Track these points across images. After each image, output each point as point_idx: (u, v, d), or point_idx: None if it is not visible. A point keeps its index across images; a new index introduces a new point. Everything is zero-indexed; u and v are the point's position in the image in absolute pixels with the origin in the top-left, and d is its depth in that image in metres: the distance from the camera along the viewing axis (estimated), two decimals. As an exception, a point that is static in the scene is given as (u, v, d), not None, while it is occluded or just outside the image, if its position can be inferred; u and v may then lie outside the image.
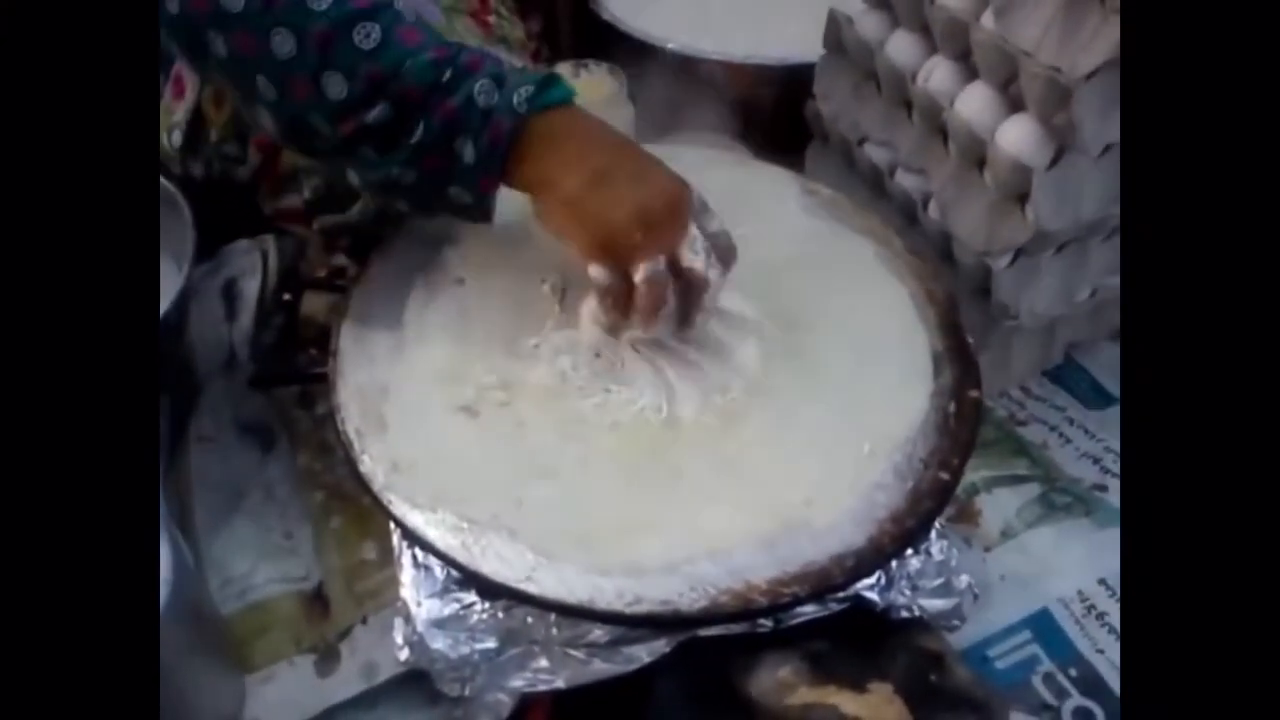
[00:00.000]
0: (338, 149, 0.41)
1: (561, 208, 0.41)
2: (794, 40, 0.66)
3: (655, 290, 0.40)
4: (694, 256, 0.40)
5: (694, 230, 0.41)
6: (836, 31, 0.58)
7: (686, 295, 0.41)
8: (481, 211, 0.42)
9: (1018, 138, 0.47)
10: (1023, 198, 0.48)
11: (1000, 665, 0.44)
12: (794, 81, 0.63)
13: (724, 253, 0.42)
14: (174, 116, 0.59)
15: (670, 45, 0.68)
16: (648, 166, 0.41)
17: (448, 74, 0.39)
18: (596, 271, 0.41)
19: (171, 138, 0.59)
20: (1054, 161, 0.47)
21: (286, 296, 0.48)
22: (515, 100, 0.39)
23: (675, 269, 0.41)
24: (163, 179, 0.53)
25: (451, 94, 0.39)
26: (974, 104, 0.50)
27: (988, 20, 0.48)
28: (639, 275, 0.40)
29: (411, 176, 0.41)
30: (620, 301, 0.41)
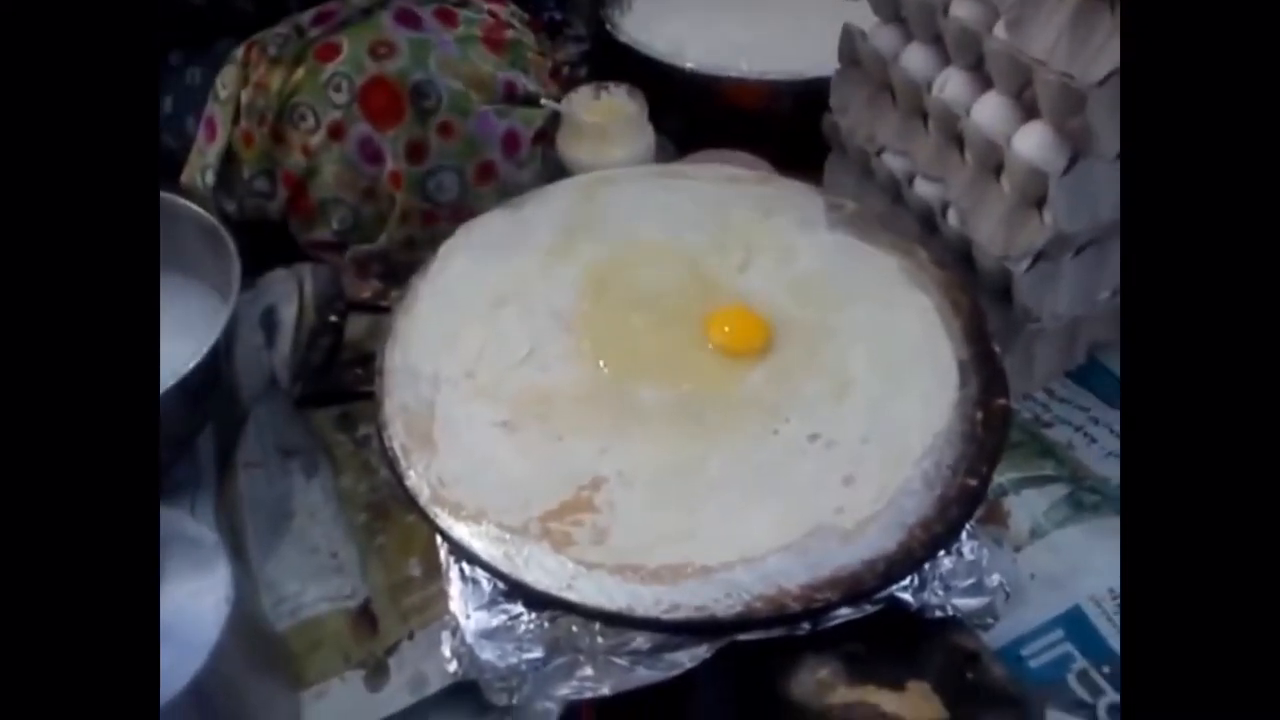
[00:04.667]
0: None
1: None
2: (807, 56, 0.67)
3: None
4: None
5: None
6: (851, 45, 0.60)
7: None
8: None
9: (1033, 144, 0.48)
10: (1040, 202, 0.49)
11: (1034, 664, 0.45)
12: (809, 96, 0.64)
13: None
14: (206, 158, 0.61)
15: (689, 65, 0.69)
16: None
17: None
18: None
19: (205, 177, 0.61)
20: (1070, 166, 0.48)
21: (333, 318, 0.50)
22: None
23: None
24: (206, 213, 0.55)
25: None
26: (989, 112, 0.51)
27: (1000, 31, 0.49)
28: None
29: None
30: None
